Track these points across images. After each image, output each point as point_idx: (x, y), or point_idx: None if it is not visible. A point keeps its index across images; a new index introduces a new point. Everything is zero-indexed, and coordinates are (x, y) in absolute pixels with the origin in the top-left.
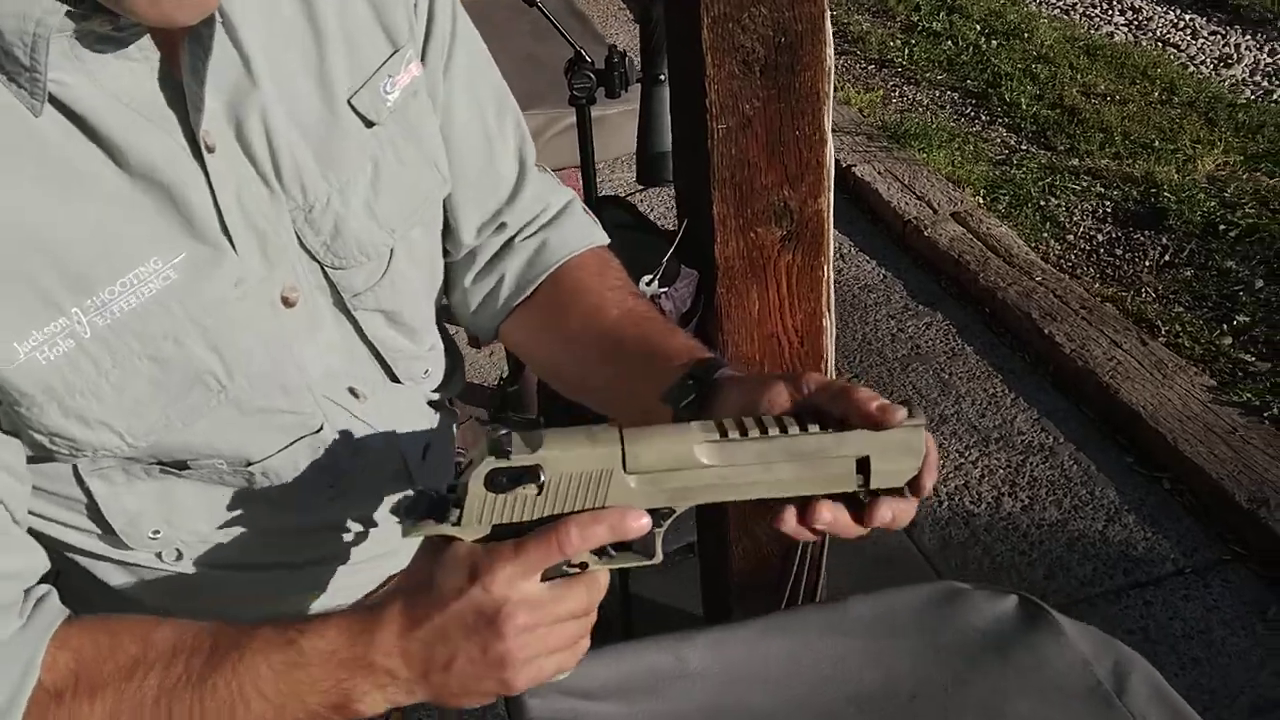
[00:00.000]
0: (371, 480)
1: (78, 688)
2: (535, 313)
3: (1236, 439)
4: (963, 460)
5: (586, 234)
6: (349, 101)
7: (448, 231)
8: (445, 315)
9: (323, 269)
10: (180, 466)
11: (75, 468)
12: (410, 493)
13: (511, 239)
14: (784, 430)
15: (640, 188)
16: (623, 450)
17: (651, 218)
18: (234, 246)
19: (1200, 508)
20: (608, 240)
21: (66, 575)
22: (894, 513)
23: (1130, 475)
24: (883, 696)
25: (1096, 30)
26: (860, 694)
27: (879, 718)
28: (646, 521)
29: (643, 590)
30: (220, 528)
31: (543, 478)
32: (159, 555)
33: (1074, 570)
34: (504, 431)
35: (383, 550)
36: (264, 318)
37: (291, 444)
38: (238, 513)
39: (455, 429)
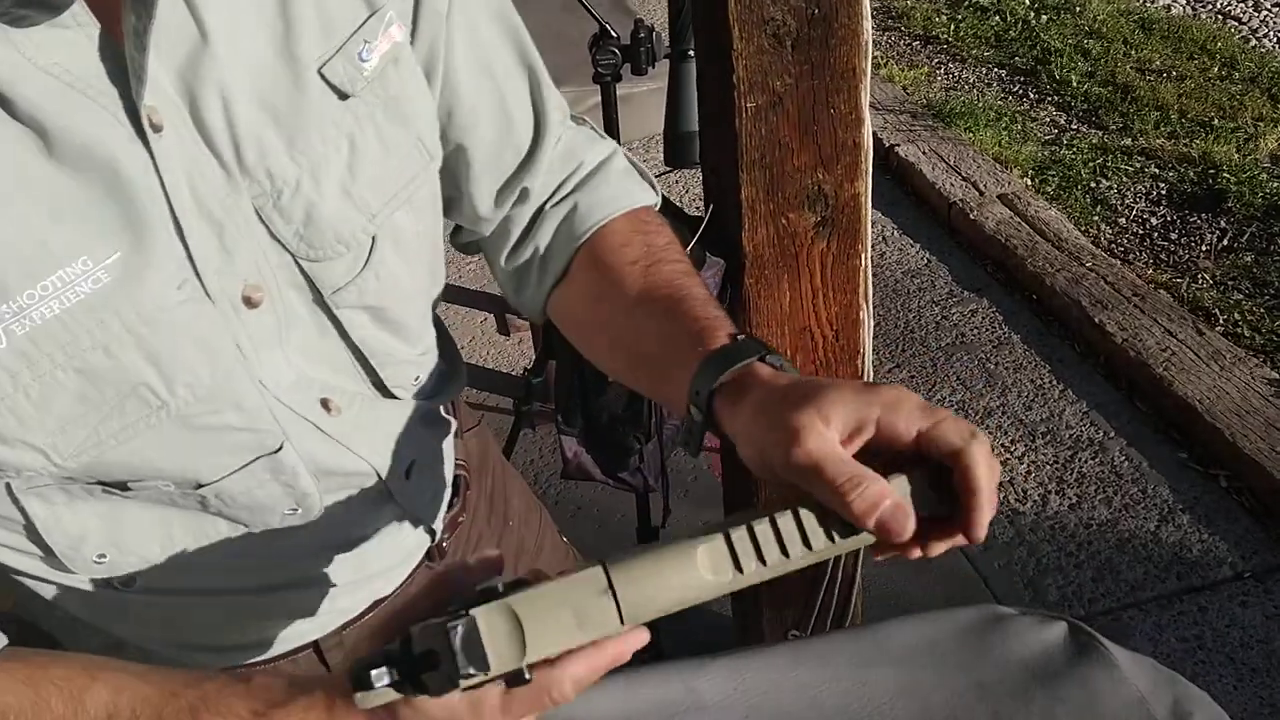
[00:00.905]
0: (342, 503)
1: None
2: (573, 293)
3: None
4: (1008, 455)
5: (621, 195)
6: (319, 71)
7: (460, 207)
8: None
9: (296, 262)
10: (121, 487)
11: (8, 485)
12: (367, 658)
13: (542, 207)
14: (806, 544)
15: (669, 170)
16: (620, 616)
17: (681, 202)
18: (184, 240)
19: (1260, 508)
20: (652, 198)
21: (19, 598)
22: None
23: (1185, 472)
24: None
25: (1152, 3)
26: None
27: None
28: (646, 636)
29: None
30: (173, 553)
31: (526, 675)
32: (108, 581)
33: (1124, 573)
34: (471, 634)
35: (360, 575)
36: (214, 323)
37: (246, 465)
38: (192, 536)
39: (450, 440)
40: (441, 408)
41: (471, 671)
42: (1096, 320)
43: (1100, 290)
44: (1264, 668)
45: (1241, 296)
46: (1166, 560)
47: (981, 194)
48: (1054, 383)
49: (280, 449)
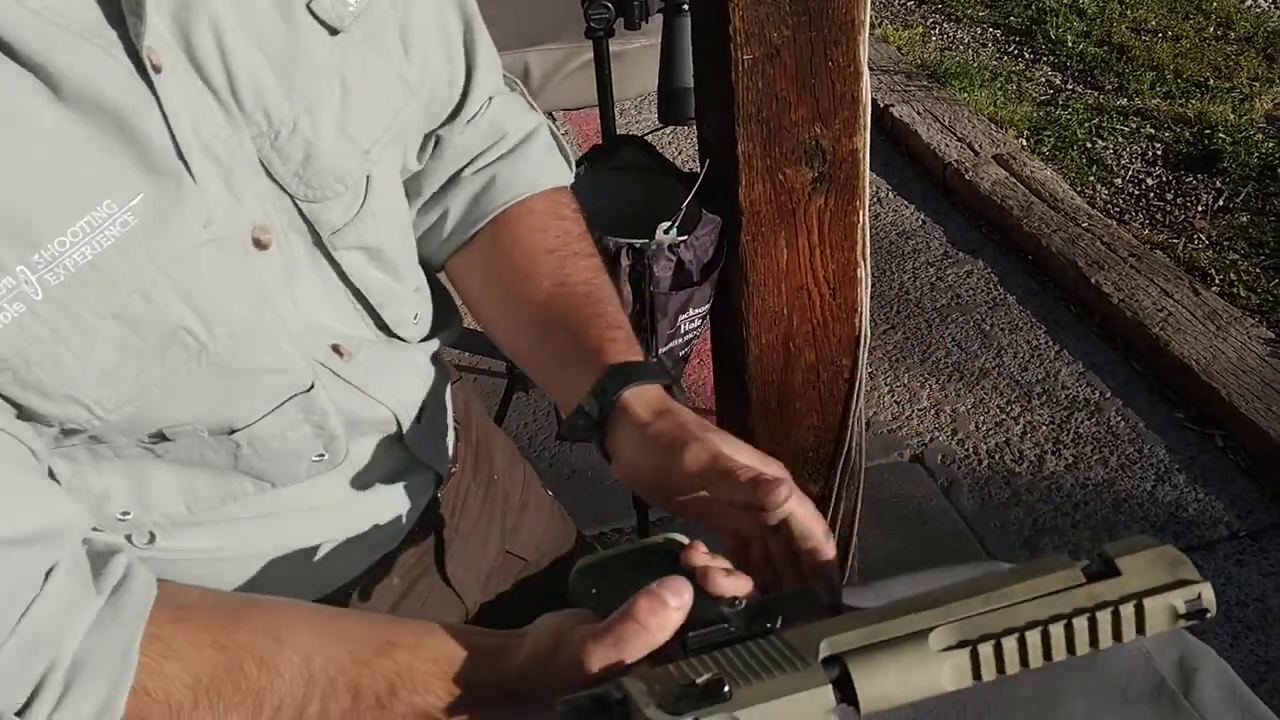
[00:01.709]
0: (363, 447)
1: (198, 705)
2: (476, 262)
3: None
4: (1004, 416)
5: (542, 173)
6: (308, 7)
7: None
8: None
9: (296, 204)
10: (157, 439)
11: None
12: (582, 705)
13: (460, 172)
14: (1047, 657)
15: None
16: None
17: (677, 161)
18: (195, 181)
19: (1256, 467)
20: (569, 178)
21: None
22: None
23: (1181, 432)
24: None
25: None
26: None
27: (912, 709)
28: None
29: None
30: (197, 509)
31: None
32: (129, 538)
33: (1120, 534)
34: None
35: (372, 527)
36: (240, 263)
37: (279, 406)
38: (217, 495)
39: (449, 388)
40: (438, 353)
41: None
42: (1093, 281)
43: (1096, 251)
44: (1259, 625)
45: (1237, 256)
46: (1163, 520)
47: (977, 154)
48: (1050, 343)
49: (312, 388)
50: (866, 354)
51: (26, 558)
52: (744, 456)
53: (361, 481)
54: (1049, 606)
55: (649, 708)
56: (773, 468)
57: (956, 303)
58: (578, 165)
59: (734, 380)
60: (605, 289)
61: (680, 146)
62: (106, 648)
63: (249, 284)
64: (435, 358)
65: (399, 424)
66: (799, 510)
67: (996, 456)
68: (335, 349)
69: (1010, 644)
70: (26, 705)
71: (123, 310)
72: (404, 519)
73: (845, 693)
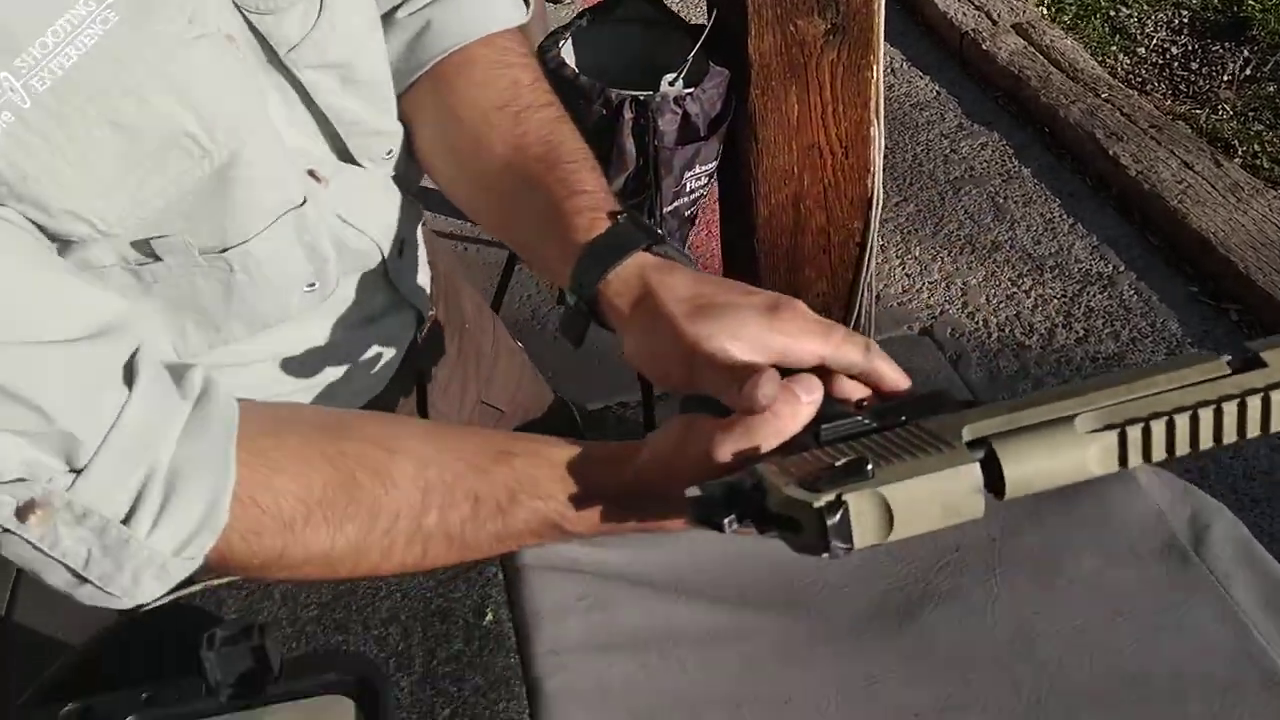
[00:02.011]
0: (349, 283)
1: (310, 518)
2: (420, 121)
3: None
4: (1015, 290)
5: (483, 15)
6: None
7: None
8: None
9: (245, 16)
10: (148, 257)
11: None
12: (715, 495)
13: (393, 11)
14: (1194, 445)
15: None
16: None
17: (683, 14)
18: None
19: None
20: (520, 17)
21: None
22: None
23: (1195, 306)
24: (922, 548)
25: None
26: (895, 545)
27: (918, 570)
28: None
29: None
30: (185, 354)
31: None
32: None
33: None
34: (844, 520)
35: (362, 372)
36: (232, 60)
37: (273, 223)
38: (205, 336)
39: (420, 229)
40: (409, 191)
41: (840, 547)
42: (1111, 152)
43: (1115, 122)
44: (1265, 498)
45: (1262, 127)
46: None
47: (995, 23)
48: (1064, 216)
49: (304, 203)
50: (879, 219)
51: (100, 354)
52: (741, 332)
53: (347, 320)
54: (1195, 394)
55: (788, 486)
56: (784, 318)
57: (970, 175)
58: (579, 19)
59: (742, 243)
60: (564, 142)
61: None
62: (204, 453)
63: (246, 83)
64: (408, 195)
65: (383, 256)
66: (880, 367)
67: (1006, 330)
68: (312, 174)
69: (1158, 428)
70: (131, 514)
71: (118, 115)
72: (388, 362)
73: (990, 475)
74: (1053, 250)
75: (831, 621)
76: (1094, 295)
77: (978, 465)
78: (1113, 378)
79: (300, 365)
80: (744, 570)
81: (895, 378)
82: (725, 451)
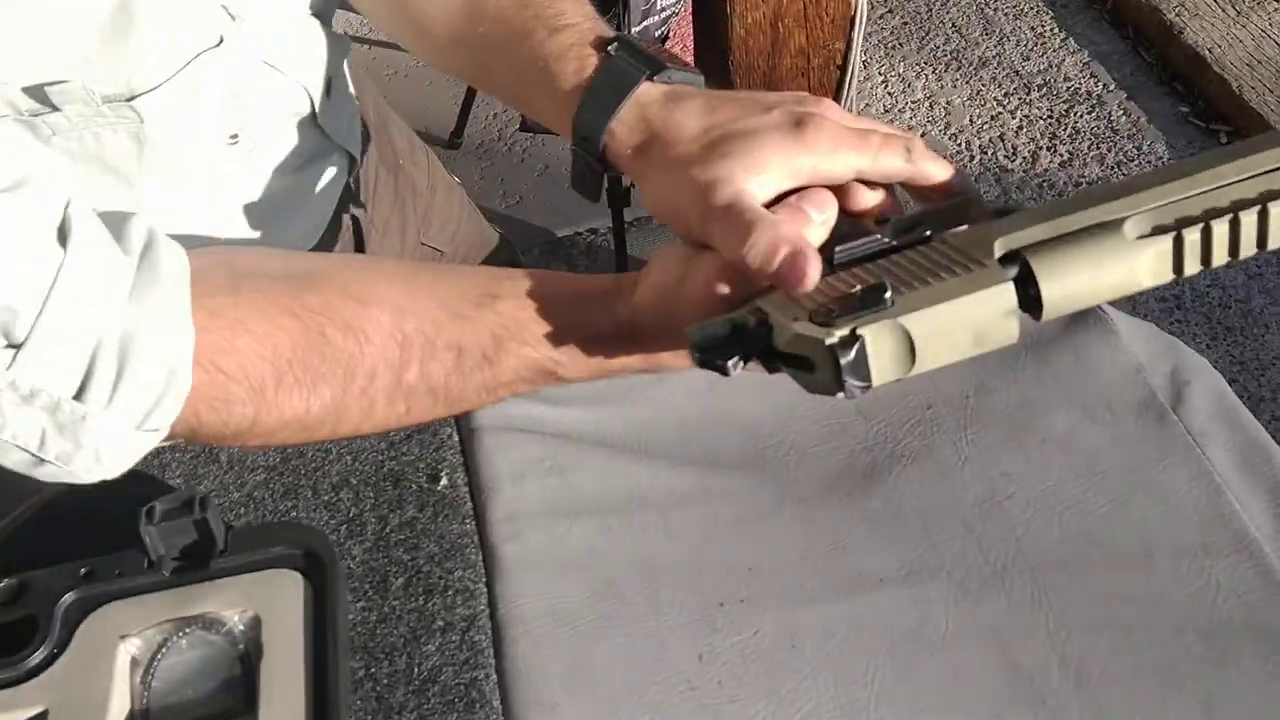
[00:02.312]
0: (276, 127)
1: (282, 381)
2: None
3: None
4: (1000, 109)
5: None
6: None
7: None
8: None
9: None
10: (44, 105)
11: None
12: (716, 335)
13: None
14: (1261, 244)
15: None
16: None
17: None
18: None
19: None
20: None
21: None
22: None
23: (1184, 127)
24: (893, 406)
25: None
26: (865, 403)
27: (887, 430)
28: None
29: (641, 250)
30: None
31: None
32: None
33: None
34: (859, 357)
35: (295, 224)
36: None
37: (186, 66)
38: (115, 194)
39: (346, 62)
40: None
41: (856, 385)
42: None
43: None
44: (1239, 327)
45: None
46: None
47: None
48: (1055, 30)
49: (220, 43)
50: (862, 38)
51: (22, 209)
52: (765, 164)
53: (275, 171)
54: (1266, 184)
55: (796, 322)
56: (810, 132)
57: None
58: None
59: (716, 65)
60: None
61: None
62: (156, 315)
63: None
64: (329, 29)
65: (310, 99)
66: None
67: (989, 153)
68: (224, 8)
69: (1220, 228)
70: (83, 388)
71: None
72: (323, 209)
73: (1026, 295)
74: (1041, 67)
75: (798, 484)
76: (1081, 116)
77: (1011, 285)
78: (1170, 171)
79: (228, 222)
80: (709, 431)
81: (943, 175)
82: (729, 286)
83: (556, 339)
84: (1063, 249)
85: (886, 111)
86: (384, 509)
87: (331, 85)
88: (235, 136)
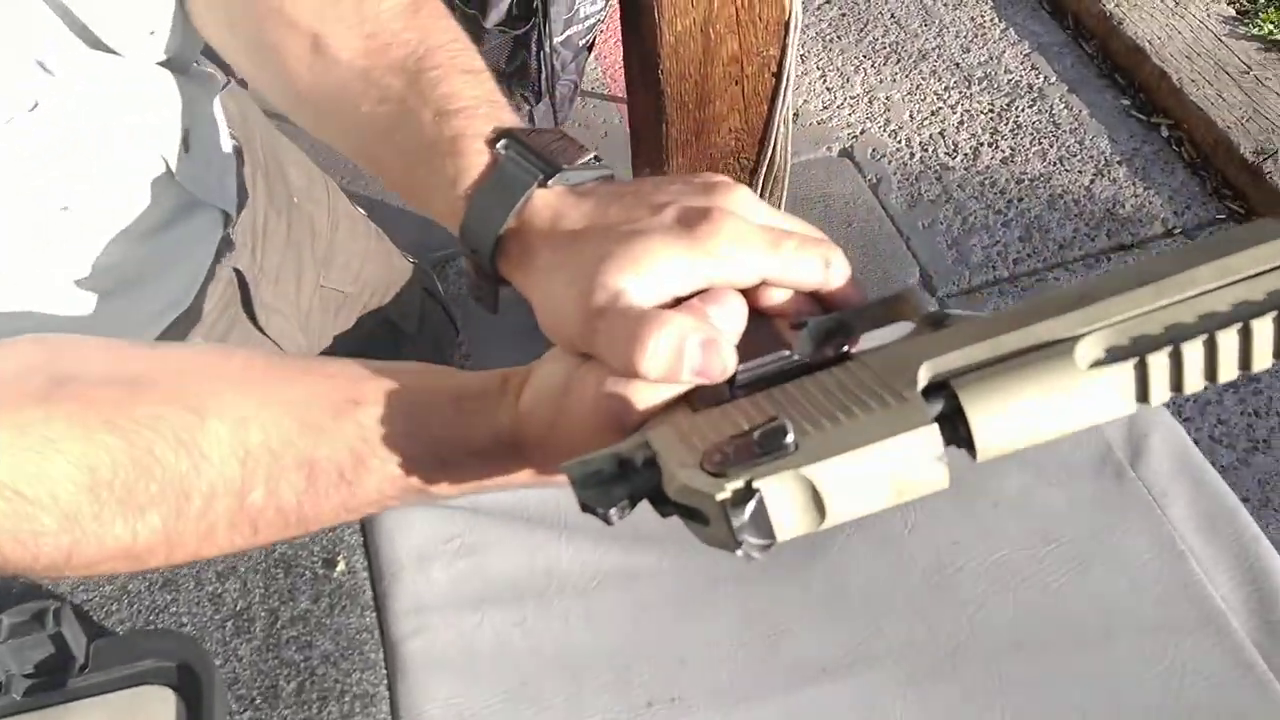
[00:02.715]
0: (122, 191)
1: (102, 508)
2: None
3: (1250, 80)
4: (940, 104)
5: None
6: None
7: None
8: None
9: None
10: None
11: None
12: (598, 470)
13: None
14: (1245, 366)
15: None
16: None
17: None
18: None
19: (1200, 159)
20: None
21: None
22: None
23: (1126, 121)
24: None
25: None
26: None
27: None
28: None
29: None
30: None
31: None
32: None
33: (1053, 231)
34: (758, 513)
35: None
36: None
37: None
38: None
39: (218, 100)
40: (194, 61)
41: (755, 544)
42: None
43: None
44: None
45: None
46: (1098, 217)
47: None
48: (995, 21)
49: (36, 106)
50: (798, 42)
51: None
52: (651, 267)
53: (122, 238)
54: (1246, 292)
55: (685, 470)
56: (706, 232)
57: None
58: None
59: (646, 75)
60: (426, 34)
61: None
62: None
63: None
64: (190, 73)
65: (164, 159)
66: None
67: (930, 150)
68: (40, 65)
69: (1193, 350)
70: None
71: None
72: (192, 271)
73: (955, 432)
74: (982, 59)
75: (732, 561)
76: (1022, 110)
77: (934, 427)
78: (1135, 273)
79: (65, 299)
80: None
81: (857, 299)
82: (618, 405)
83: (427, 454)
84: (1000, 378)
85: (825, 108)
86: (274, 600)
87: (191, 137)
88: (67, 208)
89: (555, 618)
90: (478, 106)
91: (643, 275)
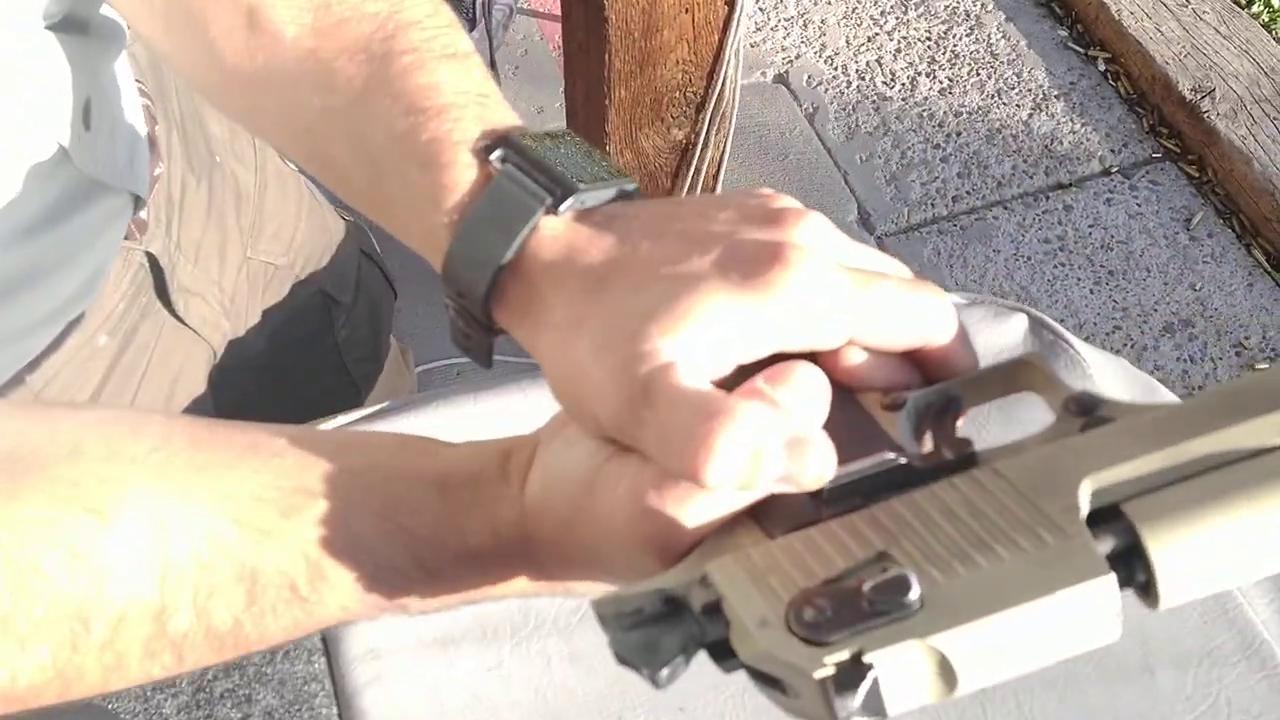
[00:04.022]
0: (12, 180)
1: None
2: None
3: (1189, 14)
4: (877, 30)
5: None
6: None
7: None
8: None
9: None
10: None
11: None
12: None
13: None
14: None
15: None
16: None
17: None
18: None
19: (1136, 94)
20: None
21: None
22: None
23: (1063, 54)
24: None
25: None
26: None
27: None
28: None
29: None
30: None
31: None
32: None
33: (991, 168)
34: (872, 695)
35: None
36: None
37: None
38: None
39: (124, 55)
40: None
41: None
42: None
43: None
44: (1121, 270)
45: None
46: (1036, 154)
47: None
48: None
49: None
50: None
51: None
52: (706, 333)
53: (17, 227)
54: None
55: (766, 632)
56: (768, 282)
57: None
58: None
59: (589, 15)
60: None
61: None
62: None
63: None
64: (88, 36)
65: (56, 142)
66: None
67: (867, 78)
68: None
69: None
70: None
71: None
72: (93, 264)
73: (1128, 574)
74: None
75: None
76: (960, 38)
77: (1113, 577)
78: None
79: None
80: None
81: (967, 364)
82: (664, 522)
83: (405, 560)
84: (1195, 505)
85: (758, 30)
86: None
87: (93, 110)
88: None
89: (535, 659)
90: (464, 104)
91: (698, 341)
